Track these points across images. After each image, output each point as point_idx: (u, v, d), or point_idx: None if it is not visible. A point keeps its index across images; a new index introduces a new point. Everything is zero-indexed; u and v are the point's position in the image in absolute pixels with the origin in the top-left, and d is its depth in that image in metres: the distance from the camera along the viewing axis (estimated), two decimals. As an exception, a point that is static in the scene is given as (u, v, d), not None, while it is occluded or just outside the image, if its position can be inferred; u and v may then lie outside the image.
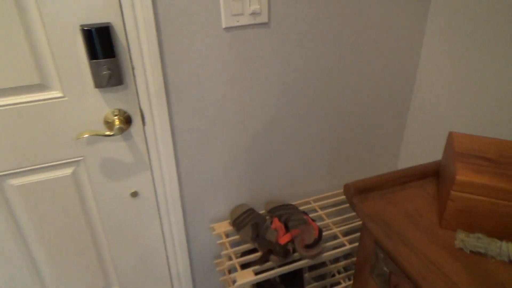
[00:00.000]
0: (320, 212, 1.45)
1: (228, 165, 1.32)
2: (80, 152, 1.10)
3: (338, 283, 1.52)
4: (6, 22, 0.90)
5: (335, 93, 1.34)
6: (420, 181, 1.07)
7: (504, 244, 0.82)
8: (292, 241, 1.23)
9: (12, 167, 1.05)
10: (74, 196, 1.15)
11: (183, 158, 1.24)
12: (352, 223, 1.48)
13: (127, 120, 1.10)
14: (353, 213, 1.46)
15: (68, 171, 1.12)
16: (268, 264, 1.23)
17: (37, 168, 1.08)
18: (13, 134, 1.02)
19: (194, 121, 1.19)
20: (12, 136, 1.02)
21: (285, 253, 1.21)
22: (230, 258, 1.32)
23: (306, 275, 1.48)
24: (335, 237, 1.63)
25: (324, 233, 1.33)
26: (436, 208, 0.97)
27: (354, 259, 1.41)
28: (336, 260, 1.62)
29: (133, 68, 1.05)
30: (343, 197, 1.52)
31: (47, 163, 1.08)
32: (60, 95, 1.02)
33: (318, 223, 1.37)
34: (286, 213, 1.32)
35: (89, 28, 0.94)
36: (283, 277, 1.45)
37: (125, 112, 1.09)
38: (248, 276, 1.19)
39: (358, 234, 1.24)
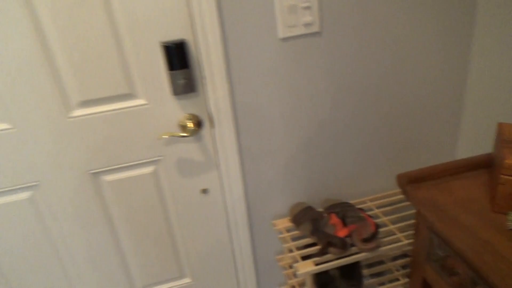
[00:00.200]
0: (376, 211, 1.50)
1: (288, 165, 1.43)
2: (160, 152, 1.27)
3: (396, 280, 1.55)
4: (103, 44, 1.10)
5: (387, 94, 1.41)
6: (472, 171, 1.11)
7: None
8: (349, 235, 1.29)
9: (106, 165, 1.24)
10: (154, 192, 1.32)
11: (247, 159, 1.37)
12: (408, 220, 1.51)
13: (198, 124, 1.26)
14: (410, 211, 1.49)
15: (150, 169, 1.29)
16: (328, 257, 1.29)
17: (125, 167, 1.27)
18: (107, 137, 1.21)
19: (255, 124, 1.32)
20: (106, 139, 1.21)
21: (344, 245, 1.26)
22: (291, 251, 1.41)
23: (365, 271, 1.53)
24: (392, 234, 1.66)
25: (380, 230, 1.38)
26: (488, 195, 1.01)
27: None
28: (394, 259, 1.64)
29: (203, 78, 1.21)
30: (399, 196, 1.56)
31: (133, 162, 1.26)
32: (144, 102, 1.20)
33: (375, 220, 1.42)
34: (343, 210, 1.38)
35: (168, 45, 1.12)
36: (343, 272, 1.50)
37: (197, 116, 1.25)
38: (308, 266, 1.27)
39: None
